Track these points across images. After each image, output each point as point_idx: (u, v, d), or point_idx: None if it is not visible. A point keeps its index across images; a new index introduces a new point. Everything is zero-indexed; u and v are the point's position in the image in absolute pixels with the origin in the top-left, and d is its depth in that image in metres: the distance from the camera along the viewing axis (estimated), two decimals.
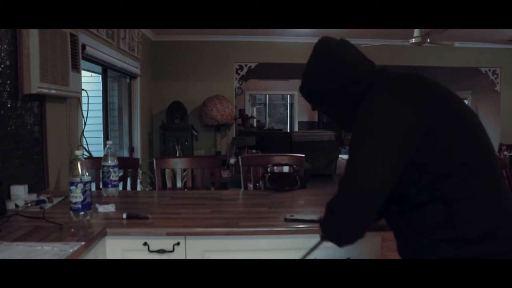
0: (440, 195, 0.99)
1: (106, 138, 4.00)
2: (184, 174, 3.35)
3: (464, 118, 1.05)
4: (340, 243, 1.09)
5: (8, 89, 2.00)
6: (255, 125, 11.23)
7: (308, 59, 1.20)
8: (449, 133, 1.00)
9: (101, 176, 2.19)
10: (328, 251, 1.34)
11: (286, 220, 1.60)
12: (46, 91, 2.19)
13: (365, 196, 0.99)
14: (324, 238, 1.26)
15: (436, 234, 1.00)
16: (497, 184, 1.04)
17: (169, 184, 2.74)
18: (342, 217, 1.02)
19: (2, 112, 1.94)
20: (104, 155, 2.11)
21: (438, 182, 0.99)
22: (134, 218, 1.63)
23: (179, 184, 2.51)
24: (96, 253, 1.41)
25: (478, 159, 1.02)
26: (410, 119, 0.98)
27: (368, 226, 1.03)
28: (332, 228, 1.07)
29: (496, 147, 5.66)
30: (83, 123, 2.95)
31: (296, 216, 1.61)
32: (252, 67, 5.97)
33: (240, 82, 6.22)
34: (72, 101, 2.79)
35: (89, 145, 3.00)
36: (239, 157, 2.58)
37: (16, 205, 1.79)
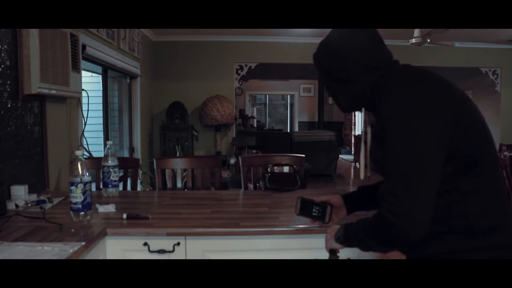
0: (456, 187, 1.01)
1: (106, 138, 4.00)
2: (184, 174, 3.35)
3: (480, 115, 1.08)
4: (406, 243, 1.02)
5: (8, 89, 2.00)
6: (255, 125, 11.23)
7: (328, 40, 1.17)
8: (472, 127, 1.03)
9: (101, 176, 2.19)
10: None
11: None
12: (46, 91, 2.19)
13: (427, 191, 0.98)
14: (334, 253, 1.25)
15: (445, 225, 1.02)
16: (501, 182, 1.09)
17: (169, 184, 2.74)
18: (409, 216, 0.97)
19: (2, 112, 1.94)
20: (104, 155, 2.11)
21: (457, 174, 1.01)
22: (134, 218, 1.63)
23: (179, 184, 2.51)
24: (96, 253, 1.41)
25: (492, 157, 1.06)
26: (446, 113, 1.00)
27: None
28: (397, 232, 1.00)
29: (496, 147, 5.66)
30: (83, 123, 2.95)
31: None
32: (252, 67, 5.96)
33: (240, 82, 6.22)
34: (72, 101, 2.79)
35: (89, 145, 3.00)
36: (239, 157, 2.58)
37: (16, 205, 1.79)
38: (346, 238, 1.16)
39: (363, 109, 1.18)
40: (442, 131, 0.99)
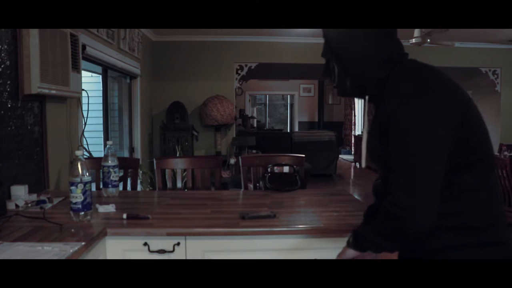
0: (455, 183, 1.02)
1: (106, 138, 4.00)
2: (184, 174, 3.35)
3: (480, 114, 1.08)
4: (411, 235, 1.02)
5: (8, 89, 2.00)
6: (255, 125, 11.23)
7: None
8: (476, 124, 1.05)
9: (101, 176, 2.19)
10: (328, 251, 1.33)
11: (244, 218, 1.63)
12: (46, 91, 2.19)
13: (432, 185, 0.99)
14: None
15: (443, 221, 1.02)
16: (497, 182, 1.11)
17: (169, 184, 2.74)
18: (412, 208, 0.98)
19: (2, 112, 1.94)
20: (104, 155, 2.11)
21: (458, 171, 1.02)
22: (134, 218, 1.63)
23: (179, 184, 2.51)
24: (96, 253, 1.41)
25: (491, 156, 1.07)
26: (454, 108, 1.01)
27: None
28: (401, 224, 1.00)
29: (496, 147, 5.66)
30: (83, 123, 2.95)
31: (252, 214, 1.66)
32: (252, 67, 5.97)
33: (240, 82, 6.22)
34: (72, 101, 2.79)
35: (89, 145, 3.00)
36: (239, 157, 2.58)
37: (17, 205, 1.79)
38: (356, 242, 1.15)
39: (366, 97, 1.17)
40: (450, 127, 0.99)
